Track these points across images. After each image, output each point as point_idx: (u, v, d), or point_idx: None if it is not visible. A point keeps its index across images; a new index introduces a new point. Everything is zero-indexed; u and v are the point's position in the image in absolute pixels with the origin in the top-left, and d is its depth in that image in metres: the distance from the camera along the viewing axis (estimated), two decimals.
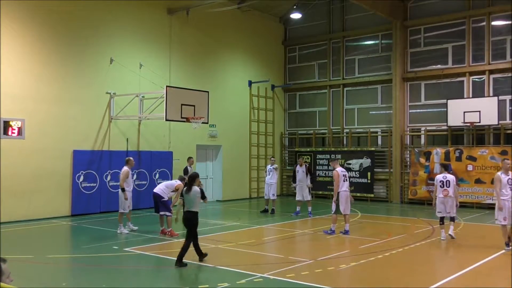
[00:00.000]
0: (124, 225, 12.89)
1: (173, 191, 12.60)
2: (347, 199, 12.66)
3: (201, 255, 9.46)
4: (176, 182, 12.81)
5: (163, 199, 12.43)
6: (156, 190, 12.69)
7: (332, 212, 12.76)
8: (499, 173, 10.82)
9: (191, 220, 9.39)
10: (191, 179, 9.60)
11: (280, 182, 22.29)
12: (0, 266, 3.30)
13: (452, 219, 12.16)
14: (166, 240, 11.87)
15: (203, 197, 9.65)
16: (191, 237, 9.34)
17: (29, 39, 15.09)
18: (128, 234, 12.57)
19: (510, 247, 10.52)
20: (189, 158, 16.63)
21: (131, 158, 13.33)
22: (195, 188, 9.44)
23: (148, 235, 12.33)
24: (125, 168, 12.83)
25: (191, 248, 9.22)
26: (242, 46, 22.61)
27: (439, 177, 12.12)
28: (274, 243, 12.30)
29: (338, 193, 12.55)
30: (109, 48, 17.18)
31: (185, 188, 9.62)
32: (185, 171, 16.01)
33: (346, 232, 12.55)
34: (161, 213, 12.49)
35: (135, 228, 13.08)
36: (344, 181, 12.63)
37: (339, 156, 22.05)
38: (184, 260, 9.06)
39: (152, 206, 13.19)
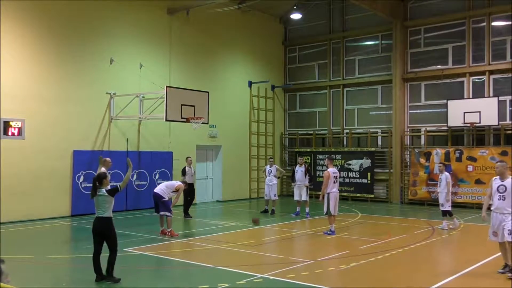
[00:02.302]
0: None
1: (173, 191, 12.61)
2: (337, 200, 12.91)
3: (109, 275, 8.04)
4: (176, 183, 12.85)
5: (163, 199, 12.42)
6: (156, 190, 12.68)
7: (324, 213, 12.95)
8: None
9: (97, 228, 8.13)
10: (98, 180, 8.15)
11: (280, 182, 22.28)
12: (0, 267, 3.32)
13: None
14: (166, 241, 11.87)
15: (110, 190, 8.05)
16: (110, 249, 8.06)
17: (29, 40, 15.08)
18: None
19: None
20: (187, 158, 16.62)
21: (105, 158, 12.90)
22: (102, 191, 8.08)
23: (148, 235, 12.32)
24: (102, 169, 12.68)
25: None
26: (242, 46, 22.60)
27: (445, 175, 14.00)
28: (274, 243, 12.28)
29: (329, 194, 12.69)
30: (109, 48, 17.18)
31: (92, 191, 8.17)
32: (183, 171, 16.02)
33: (332, 233, 12.62)
34: (161, 213, 12.48)
35: None
36: (334, 182, 12.78)
37: (339, 156, 22.08)
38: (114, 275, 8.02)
39: (152, 206, 13.19)
